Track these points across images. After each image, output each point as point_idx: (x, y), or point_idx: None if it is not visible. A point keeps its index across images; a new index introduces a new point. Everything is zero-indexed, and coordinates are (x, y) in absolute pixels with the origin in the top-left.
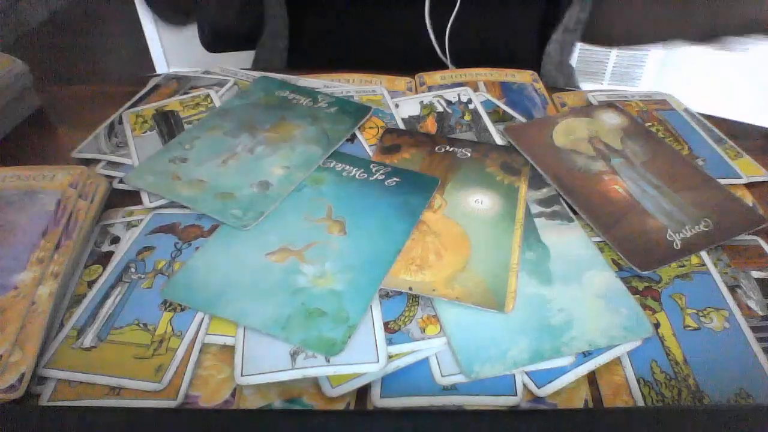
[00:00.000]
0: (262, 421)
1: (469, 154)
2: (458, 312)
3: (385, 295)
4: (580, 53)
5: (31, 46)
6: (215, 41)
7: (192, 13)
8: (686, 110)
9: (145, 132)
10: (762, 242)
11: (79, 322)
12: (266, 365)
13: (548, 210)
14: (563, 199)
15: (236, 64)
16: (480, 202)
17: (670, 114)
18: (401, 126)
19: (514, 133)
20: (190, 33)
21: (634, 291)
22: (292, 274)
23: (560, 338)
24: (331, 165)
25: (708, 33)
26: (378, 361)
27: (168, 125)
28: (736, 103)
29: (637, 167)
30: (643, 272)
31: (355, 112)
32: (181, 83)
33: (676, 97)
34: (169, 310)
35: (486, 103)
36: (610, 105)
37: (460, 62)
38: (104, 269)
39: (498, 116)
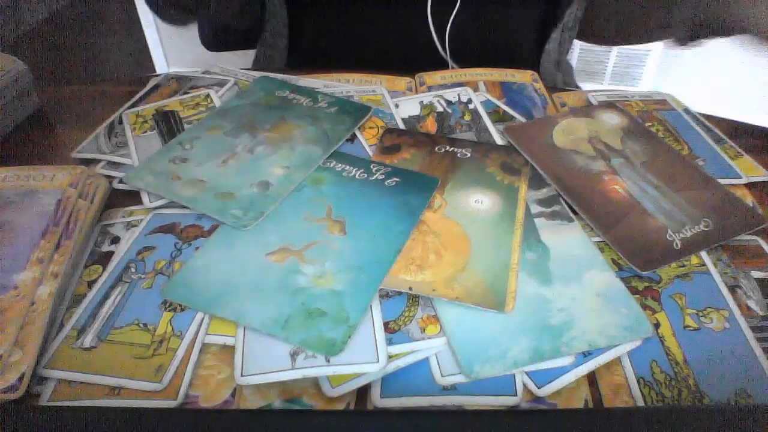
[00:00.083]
0: (262, 421)
1: (469, 154)
2: (458, 312)
3: (385, 295)
4: (580, 53)
5: (31, 46)
6: (215, 40)
7: (193, 13)
8: (686, 110)
9: (145, 132)
10: (762, 242)
11: (79, 322)
12: (266, 365)
13: (548, 210)
14: (563, 199)
15: (236, 64)
16: (480, 202)
17: (670, 114)
18: (401, 126)
19: (514, 133)
20: (190, 33)
21: (634, 291)
22: (292, 274)
23: (560, 338)
24: (331, 165)
25: (695, 32)
26: (378, 361)
27: (168, 125)
28: (736, 103)
29: (637, 167)
30: (643, 272)
31: (355, 112)
32: (181, 83)
33: (676, 97)
34: (169, 310)
35: (486, 103)
36: (610, 105)
37: (460, 61)
38: (104, 269)
39: (498, 116)
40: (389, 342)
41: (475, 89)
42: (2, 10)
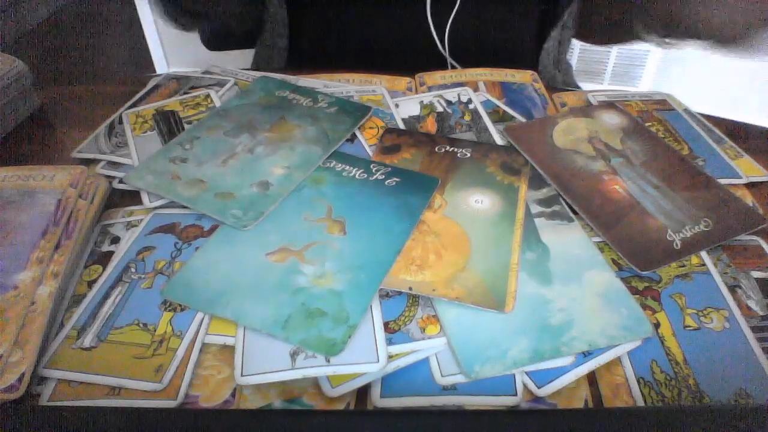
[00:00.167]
0: (262, 421)
1: (469, 154)
2: (458, 312)
3: (385, 295)
4: (580, 53)
5: (31, 46)
6: (216, 39)
7: (201, 18)
8: (686, 110)
9: (145, 132)
10: (762, 242)
11: (79, 322)
12: (266, 365)
13: (548, 210)
14: (563, 199)
15: (236, 64)
16: (480, 202)
17: (670, 114)
18: (401, 126)
19: (514, 133)
20: (191, 33)
21: (634, 291)
22: (292, 274)
23: (560, 338)
24: (331, 165)
25: (668, 34)
26: (378, 361)
27: (168, 125)
28: (736, 103)
29: (637, 167)
30: (643, 272)
31: (355, 112)
32: (181, 83)
33: (676, 97)
34: (169, 310)
35: (486, 103)
36: (610, 105)
37: (460, 60)
38: (104, 269)
39: (498, 116)
40: (389, 342)
41: (475, 89)
42: (2, 10)
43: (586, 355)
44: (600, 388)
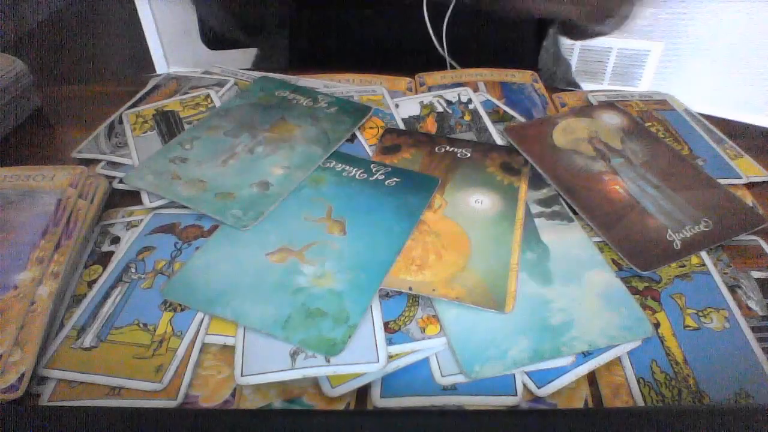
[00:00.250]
0: (262, 421)
1: (469, 154)
2: (458, 312)
3: (385, 295)
4: (580, 53)
5: (31, 46)
6: (216, 39)
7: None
8: (686, 110)
9: (145, 132)
10: (762, 242)
11: (79, 322)
12: (266, 365)
13: (548, 210)
14: (563, 199)
15: (236, 64)
16: (480, 202)
17: (670, 114)
18: (401, 126)
19: (514, 133)
20: (190, 33)
21: (634, 291)
22: (292, 274)
23: (560, 338)
24: (331, 165)
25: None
26: (378, 361)
27: (168, 125)
28: (736, 103)
29: (637, 167)
30: (643, 272)
31: (355, 112)
32: (181, 83)
33: (676, 97)
34: (169, 310)
35: (486, 103)
36: (610, 105)
37: (460, 60)
38: (104, 269)
39: (498, 116)
40: (389, 342)
41: (475, 89)
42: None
43: (586, 355)
44: (600, 388)
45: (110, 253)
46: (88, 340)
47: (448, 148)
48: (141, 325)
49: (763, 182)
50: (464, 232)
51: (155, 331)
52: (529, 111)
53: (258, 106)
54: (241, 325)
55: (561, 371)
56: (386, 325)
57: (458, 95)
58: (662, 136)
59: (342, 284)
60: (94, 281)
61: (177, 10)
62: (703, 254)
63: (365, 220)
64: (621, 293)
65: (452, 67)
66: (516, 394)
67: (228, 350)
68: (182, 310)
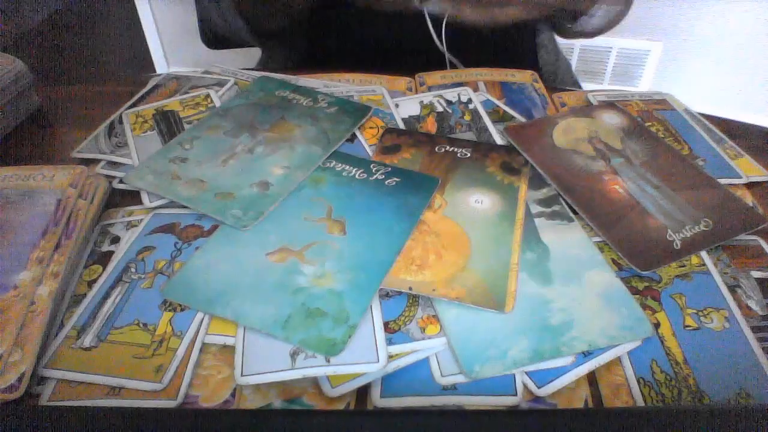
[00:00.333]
0: (262, 421)
1: (469, 154)
2: (458, 312)
3: (385, 295)
4: (580, 53)
5: (31, 46)
6: (216, 39)
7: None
8: (686, 110)
9: (145, 132)
10: (762, 242)
11: (79, 322)
12: (266, 365)
13: (548, 210)
14: (563, 199)
15: (236, 64)
16: (480, 202)
17: (670, 114)
18: (401, 126)
19: (514, 133)
20: (190, 33)
21: (634, 291)
22: (292, 274)
23: (560, 338)
24: (331, 165)
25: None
26: (378, 361)
27: (168, 125)
28: (736, 103)
29: (637, 167)
30: (643, 272)
31: (355, 112)
32: (181, 83)
33: (676, 97)
34: (169, 310)
35: (486, 103)
36: (610, 105)
37: (459, 60)
38: (104, 269)
39: (498, 116)
40: (389, 342)
41: (475, 89)
42: (2, 10)
43: (586, 355)
44: (600, 388)
45: (110, 253)
46: (88, 340)
47: (448, 148)
48: (141, 325)
49: (763, 182)
50: (464, 232)
51: (155, 331)
52: (529, 111)
53: (258, 106)
54: (241, 325)
55: (561, 371)
56: (386, 325)
57: (458, 95)
58: (662, 136)
59: (342, 284)
60: (94, 281)
61: (177, 10)
62: (703, 254)
63: (365, 220)
64: (621, 293)
65: (453, 66)
66: (516, 394)
67: (228, 350)
68: (182, 310)
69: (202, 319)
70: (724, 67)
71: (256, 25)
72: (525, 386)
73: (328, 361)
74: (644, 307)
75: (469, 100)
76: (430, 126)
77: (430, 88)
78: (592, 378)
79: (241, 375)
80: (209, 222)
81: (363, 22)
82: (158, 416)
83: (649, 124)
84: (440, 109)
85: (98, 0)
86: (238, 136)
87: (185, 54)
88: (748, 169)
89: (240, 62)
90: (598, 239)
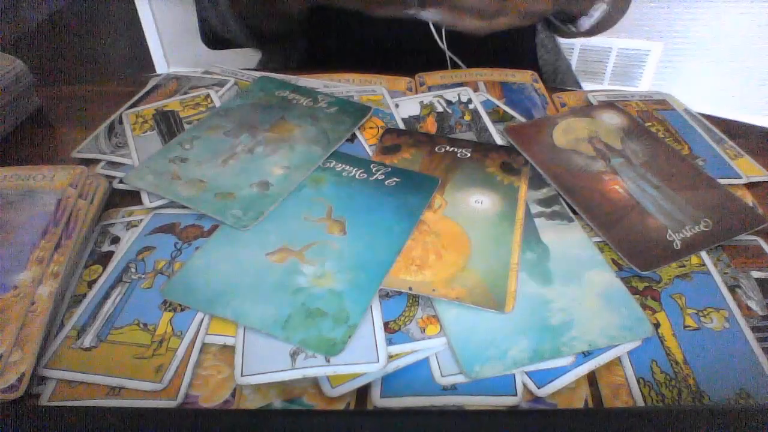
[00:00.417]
0: (262, 421)
1: (469, 154)
2: (458, 312)
3: (385, 295)
4: (580, 53)
5: (31, 46)
6: (216, 39)
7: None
8: (686, 110)
9: (145, 132)
10: (762, 242)
11: (79, 322)
12: (266, 365)
13: (548, 210)
14: (563, 199)
15: (236, 64)
16: (480, 202)
17: (670, 114)
18: (401, 126)
19: (514, 133)
20: (191, 33)
21: (634, 291)
22: (292, 274)
23: (560, 338)
24: (331, 165)
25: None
26: (378, 361)
27: (168, 125)
28: (736, 103)
29: (637, 167)
30: (643, 272)
31: (355, 112)
32: (181, 83)
33: (676, 97)
34: (169, 310)
35: (486, 103)
36: (610, 105)
37: (459, 58)
38: (104, 269)
39: (498, 116)
40: (389, 342)
41: (475, 89)
42: (2, 10)
43: (586, 355)
44: (600, 388)
45: (110, 253)
46: (88, 340)
47: (448, 148)
48: (141, 325)
49: (763, 182)
50: (464, 232)
51: (155, 331)
52: (529, 111)
53: (258, 106)
54: (241, 325)
55: (561, 371)
56: (386, 325)
57: (458, 95)
58: (662, 136)
59: (342, 284)
60: (94, 281)
61: (177, 10)
62: (703, 254)
63: (365, 220)
64: (621, 293)
65: (454, 65)
66: (516, 394)
67: (228, 350)
68: (182, 310)
69: (202, 319)
70: (724, 67)
71: (254, 29)
72: (525, 386)
73: (328, 361)
74: (644, 307)
75: (469, 100)
76: (430, 126)
77: (430, 88)
78: (592, 378)
79: (241, 375)
80: (209, 222)
81: (363, 23)
82: (158, 416)
83: (649, 124)
84: (440, 109)
85: (98, 0)
86: (238, 136)
87: (185, 54)
88: (747, 169)
89: (240, 62)
90: (598, 239)
